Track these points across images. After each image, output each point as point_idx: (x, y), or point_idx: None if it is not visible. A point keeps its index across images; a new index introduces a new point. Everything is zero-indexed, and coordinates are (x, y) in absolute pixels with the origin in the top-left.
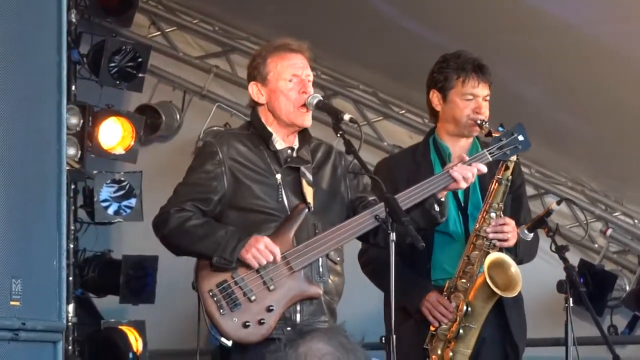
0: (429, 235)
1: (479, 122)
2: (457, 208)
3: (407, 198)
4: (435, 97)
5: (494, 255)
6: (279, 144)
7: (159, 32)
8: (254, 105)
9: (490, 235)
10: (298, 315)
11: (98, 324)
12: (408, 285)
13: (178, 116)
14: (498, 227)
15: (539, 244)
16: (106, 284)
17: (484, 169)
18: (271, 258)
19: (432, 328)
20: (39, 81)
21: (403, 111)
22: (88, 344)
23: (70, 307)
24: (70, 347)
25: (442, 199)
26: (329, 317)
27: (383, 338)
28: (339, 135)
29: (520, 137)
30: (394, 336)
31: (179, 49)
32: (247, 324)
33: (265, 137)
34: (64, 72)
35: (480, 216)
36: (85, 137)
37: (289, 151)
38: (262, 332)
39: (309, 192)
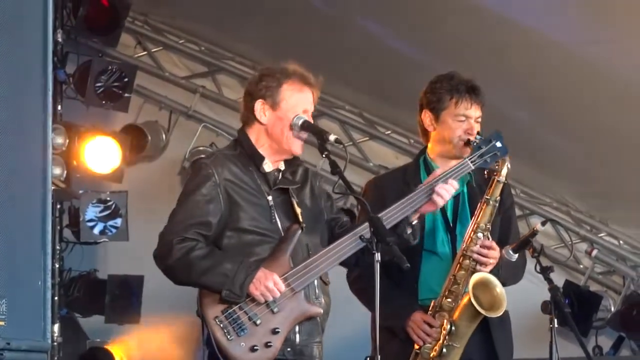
0: (416, 254)
1: (469, 140)
2: (445, 228)
3: (388, 217)
4: (427, 117)
5: (479, 275)
6: (268, 166)
7: (145, 52)
8: (245, 120)
9: (475, 256)
10: (297, 336)
11: (83, 343)
12: (394, 304)
13: (164, 136)
14: (484, 249)
15: (525, 267)
16: (91, 303)
17: (456, 186)
18: (278, 295)
19: (416, 347)
20: (24, 101)
21: (389, 132)
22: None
23: (56, 327)
24: None
25: (414, 222)
26: (321, 336)
27: (368, 358)
28: (324, 155)
29: (498, 144)
30: (379, 356)
31: (165, 69)
32: (255, 348)
33: (256, 160)
34: (50, 92)
35: (467, 236)
36: (71, 156)
37: (276, 173)
38: (269, 356)
39: (299, 212)
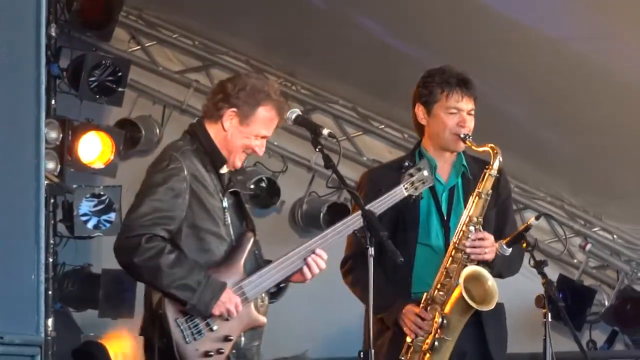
0: (410, 248)
1: (462, 135)
2: (439, 221)
3: (266, 278)
4: (420, 111)
5: (470, 269)
6: (224, 168)
7: (139, 47)
8: (208, 114)
9: (468, 250)
10: (242, 340)
11: (77, 338)
12: (387, 297)
13: (158, 130)
14: (476, 241)
15: (522, 258)
16: (85, 298)
17: (324, 257)
18: (234, 316)
19: (408, 339)
20: (17, 95)
21: (382, 126)
22: (67, 358)
23: (50, 321)
24: None
25: (283, 285)
26: (261, 340)
27: (361, 353)
28: (317, 149)
29: (425, 173)
30: (372, 350)
31: (159, 63)
32: (209, 353)
33: (215, 160)
34: (43, 86)
35: (458, 229)
36: (64, 151)
37: (228, 176)
38: None
39: (249, 216)
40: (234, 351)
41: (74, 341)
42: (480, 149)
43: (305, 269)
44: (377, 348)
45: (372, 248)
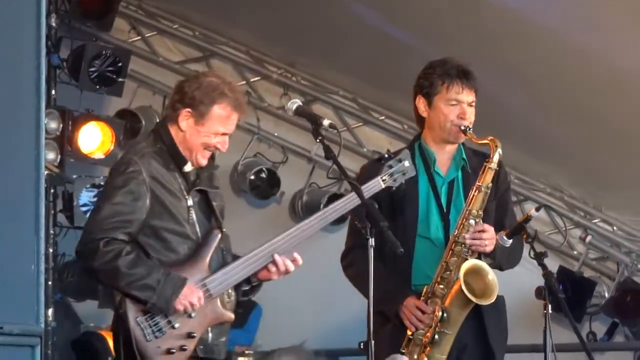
0: (410, 240)
1: (462, 128)
2: (439, 214)
3: (232, 274)
4: (421, 102)
5: (470, 262)
6: (187, 166)
7: (139, 37)
8: (169, 116)
9: (468, 242)
10: (210, 335)
11: (77, 328)
12: (387, 290)
13: (158, 121)
14: (476, 234)
15: (523, 250)
16: (85, 288)
17: (299, 262)
18: (197, 308)
19: (409, 332)
20: (17, 85)
21: (383, 117)
22: (67, 349)
23: (50, 312)
24: (49, 352)
25: (255, 284)
26: (228, 335)
27: (362, 344)
28: (318, 140)
29: (407, 163)
30: (372, 342)
31: (159, 53)
32: (171, 350)
33: (178, 160)
34: (43, 76)
35: (459, 222)
36: (64, 141)
37: (194, 173)
38: (182, 358)
39: (217, 214)
40: (201, 347)
41: (73, 332)
42: (480, 142)
43: (272, 268)
44: (377, 340)
45: (373, 239)
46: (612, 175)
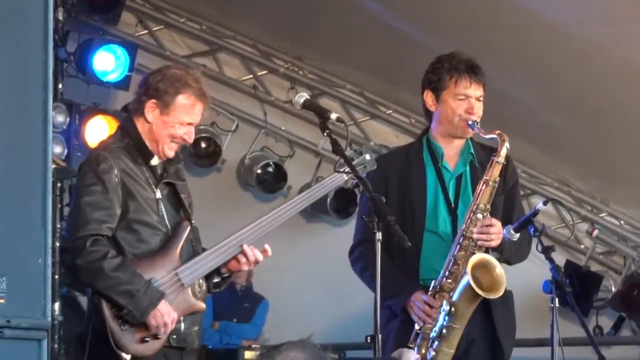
0: (418, 235)
1: (470, 122)
2: (447, 208)
3: (202, 264)
4: (429, 97)
5: (478, 256)
6: (154, 160)
7: (146, 31)
8: (134, 110)
9: (475, 236)
10: (182, 325)
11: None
12: (394, 285)
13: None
14: (484, 228)
15: (531, 245)
16: None
17: (269, 252)
18: (168, 331)
19: (416, 327)
20: (24, 79)
21: (390, 111)
22: (73, 342)
23: (56, 306)
24: (56, 346)
25: (225, 275)
26: (201, 324)
27: (369, 337)
28: (325, 134)
29: (368, 157)
30: (380, 336)
31: (166, 47)
32: (145, 339)
33: (145, 154)
34: (50, 70)
35: (467, 217)
36: (71, 135)
37: (161, 167)
38: (156, 347)
39: (185, 206)
40: (174, 336)
41: (80, 325)
42: (488, 136)
43: (241, 258)
44: (385, 335)
45: (380, 233)
46: (619, 170)
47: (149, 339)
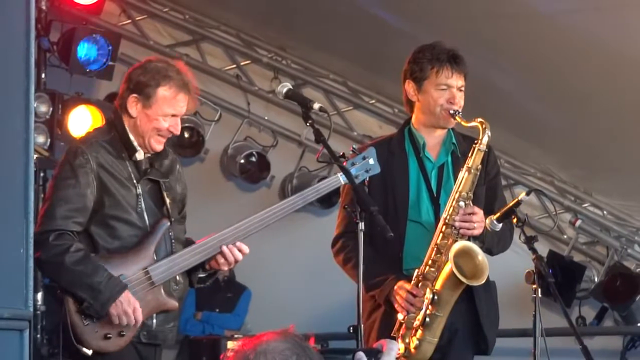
0: (401, 225)
1: (452, 112)
2: (429, 198)
3: (177, 262)
4: (410, 87)
5: (460, 244)
6: (139, 154)
7: (129, 21)
8: (121, 105)
9: (457, 224)
10: (154, 321)
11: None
12: (377, 275)
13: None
14: (466, 216)
15: (513, 234)
16: None
17: (246, 251)
18: (133, 323)
19: (400, 317)
20: (6, 68)
21: (373, 101)
22: (57, 333)
23: (39, 296)
24: (38, 336)
25: (211, 271)
26: (177, 320)
27: (351, 327)
28: (308, 124)
29: (371, 161)
30: (362, 326)
31: (149, 37)
32: (108, 335)
33: (129, 149)
34: (32, 59)
35: (449, 205)
36: (54, 125)
37: (147, 162)
38: (120, 344)
39: (168, 203)
40: (144, 332)
41: (62, 316)
42: (469, 124)
43: (220, 259)
44: (369, 325)
45: (362, 223)
46: (602, 160)
47: (111, 336)
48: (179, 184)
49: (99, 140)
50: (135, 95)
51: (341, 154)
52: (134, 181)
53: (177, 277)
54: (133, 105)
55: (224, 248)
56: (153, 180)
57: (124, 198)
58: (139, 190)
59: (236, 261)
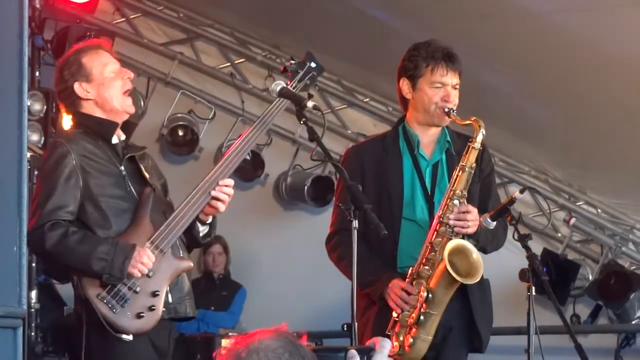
0: (396, 223)
1: (446, 110)
2: (424, 196)
3: (174, 225)
4: (405, 85)
5: (455, 242)
6: (114, 138)
7: (123, 19)
8: (73, 106)
9: (451, 222)
10: (170, 296)
11: (61, 310)
12: (372, 273)
13: (142, 103)
14: (460, 214)
15: (507, 233)
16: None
17: (231, 183)
18: (151, 266)
19: (394, 314)
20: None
21: (367, 99)
22: (51, 330)
23: (33, 294)
24: (33, 333)
25: (209, 220)
26: (191, 291)
27: (345, 325)
28: (302, 122)
29: (313, 64)
30: (356, 323)
31: (143, 35)
32: (141, 314)
33: (104, 134)
34: (25, 58)
35: (443, 203)
36: (48, 123)
37: (122, 144)
38: (155, 317)
39: (147, 176)
40: (163, 309)
41: (57, 313)
42: (464, 122)
43: (214, 202)
44: (363, 323)
45: (356, 221)
46: (596, 158)
47: (144, 313)
48: (146, 157)
49: (75, 133)
50: (75, 81)
51: (282, 68)
52: (117, 163)
53: (180, 250)
54: (81, 89)
55: (213, 192)
56: (131, 159)
57: (111, 180)
58: (124, 171)
59: (229, 197)
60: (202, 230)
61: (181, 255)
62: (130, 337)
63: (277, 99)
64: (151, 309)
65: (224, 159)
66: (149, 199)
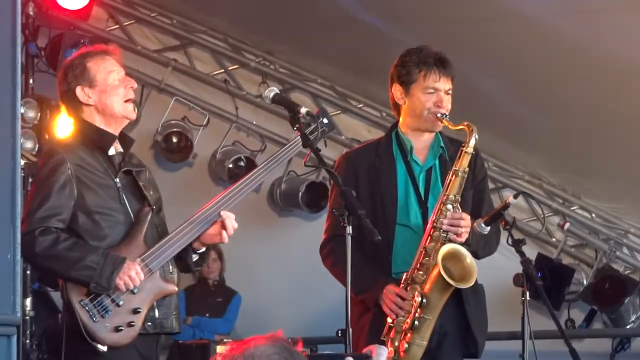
0: (390, 228)
1: (439, 115)
2: (417, 202)
3: (168, 247)
4: (397, 90)
5: (448, 247)
6: (111, 150)
7: (117, 26)
8: (75, 111)
9: (444, 227)
10: (157, 311)
11: (56, 317)
12: (366, 279)
13: (136, 109)
14: (454, 220)
15: (500, 238)
16: None
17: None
18: (138, 283)
19: (389, 320)
20: None
21: (361, 105)
22: (45, 338)
23: (28, 301)
24: (27, 341)
25: (201, 250)
26: (178, 307)
27: (339, 332)
28: (295, 128)
29: (325, 120)
30: (350, 329)
31: (137, 42)
32: (119, 328)
33: (102, 145)
34: (19, 65)
35: (436, 208)
36: (42, 130)
37: (119, 156)
38: (132, 334)
39: (147, 194)
40: (149, 323)
41: (52, 321)
42: (456, 127)
43: (219, 229)
44: (358, 329)
45: (350, 227)
46: (590, 163)
47: (122, 327)
48: (147, 180)
49: (72, 142)
50: (78, 86)
51: (298, 115)
52: (112, 175)
53: (170, 266)
54: (84, 94)
55: (223, 213)
56: (128, 173)
57: (106, 191)
58: (119, 184)
59: (233, 228)
60: (194, 258)
61: (172, 275)
62: (105, 349)
63: (295, 137)
64: (130, 324)
65: (231, 189)
66: (146, 217)
